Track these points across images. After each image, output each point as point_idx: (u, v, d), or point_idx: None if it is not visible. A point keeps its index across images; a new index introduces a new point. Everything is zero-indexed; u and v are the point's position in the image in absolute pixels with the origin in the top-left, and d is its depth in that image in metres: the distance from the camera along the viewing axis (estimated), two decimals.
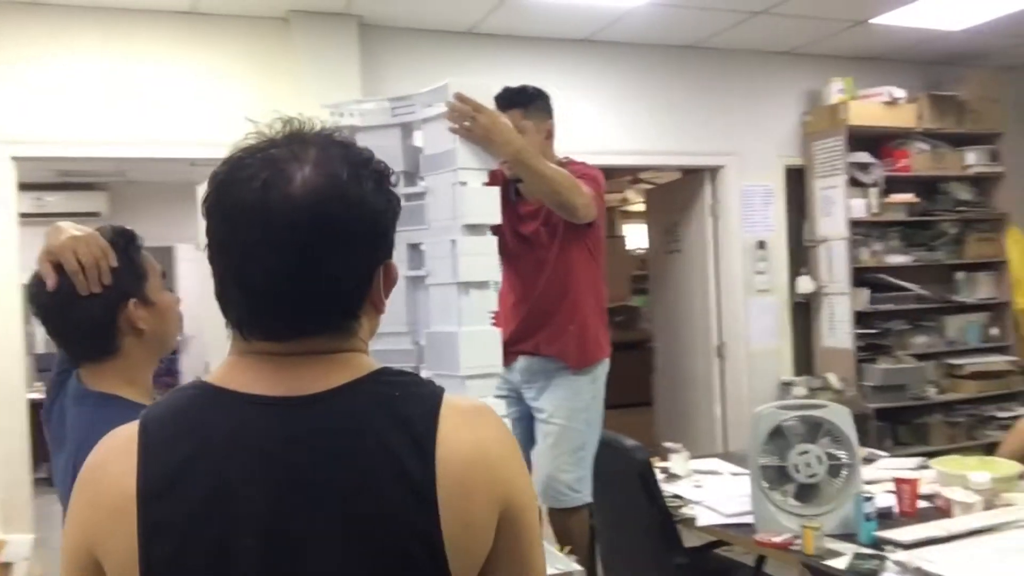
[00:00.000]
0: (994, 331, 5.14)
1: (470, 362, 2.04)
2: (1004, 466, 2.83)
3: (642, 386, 5.65)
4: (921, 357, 4.87)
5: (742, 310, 4.80)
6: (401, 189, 2.20)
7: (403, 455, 0.86)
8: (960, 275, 5.13)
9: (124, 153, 3.84)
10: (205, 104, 3.85)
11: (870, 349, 4.76)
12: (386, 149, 2.22)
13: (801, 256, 4.96)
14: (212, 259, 0.92)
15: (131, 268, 1.54)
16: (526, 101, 2.56)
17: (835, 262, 4.76)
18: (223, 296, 0.91)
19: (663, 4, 3.93)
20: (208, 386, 0.91)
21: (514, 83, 4.10)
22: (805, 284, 4.84)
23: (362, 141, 2.08)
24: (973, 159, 5.06)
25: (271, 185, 0.86)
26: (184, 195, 8.53)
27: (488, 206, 2.08)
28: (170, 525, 0.83)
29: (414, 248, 2.23)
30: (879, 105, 4.75)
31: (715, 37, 4.52)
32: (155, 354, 1.61)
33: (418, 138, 2.26)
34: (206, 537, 0.83)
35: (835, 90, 4.82)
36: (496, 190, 2.11)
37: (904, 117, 4.81)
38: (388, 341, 2.22)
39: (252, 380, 0.89)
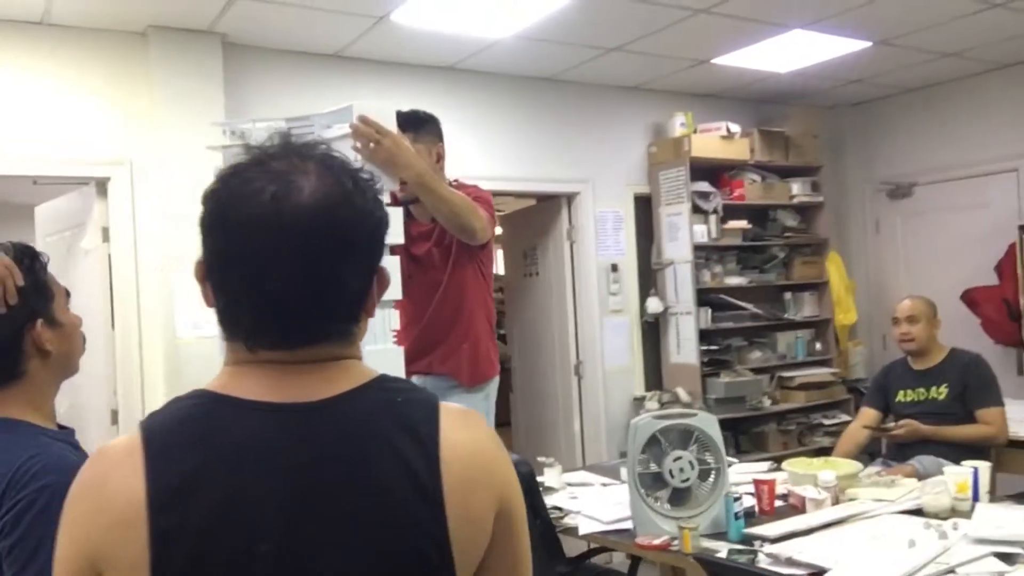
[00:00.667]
0: (818, 346, 5.65)
1: None
2: (845, 465, 3.15)
3: (500, 405, 5.75)
4: (757, 371, 5.27)
5: (597, 330, 5.03)
6: None
7: (410, 458, 0.90)
8: (788, 295, 5.61)
9: None
10: (53, 119, 3.64)
11: (713, 364, 5.11)
12: None
13: (649, 278, 5.27)
14: (210, 274, 0.93)
15: (37, 287, 1.49)
16: (417, 125, 2.62)
17: (680, 284, 5.09)
18: (228, 309, 0.92)
19: (526, 38, 4.10)
20: (212, 394, 0.91)
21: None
22: (654, 305, 5.14)
23: None
24: (797, 189, 5.57)
25: (281, 197, 0.89)
26: (16, 217, 7.95)
27: (392, 226, 2.11)
28: (183, 533, 0.83)
29: None
30: (717, 139, 5.14)
31: (571, 71, 4.75)
32: (60, 377, 1.56)
33: None
34: (222, 545, 0.84)
35: (678, 124, 5.18)
36: (399, 211, 2.16)
37: (738, 150, 5.23)
38: None
39: (258, 388, 0.90)
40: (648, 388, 5.21)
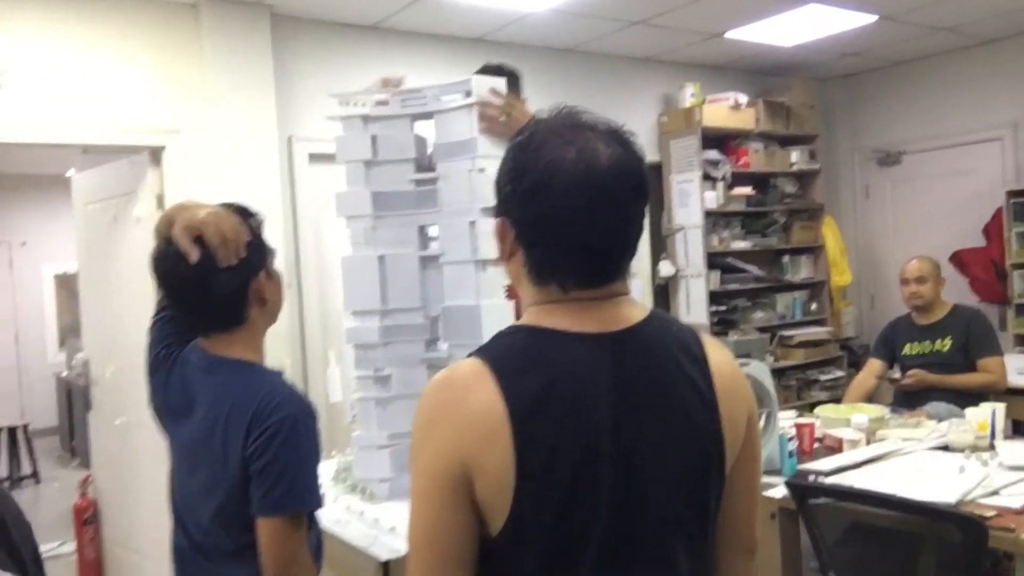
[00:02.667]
0: (814, 306, 5.97)
1: (490, 332, 2.26)
2: (871, 410, 3.45)
3: None
4: (761, 330, 5.58)
5: None
6: (412, 175, 2.40)
7: (692, 373, 1.12)
8: (786, 258, 5.91)
9: (12, 138, 3.63)
10: (105, 90, 3.73)
11: (721, 324, 5.40)
12: (397, 138, 2.41)
13: (660, 243, 5.52)
14: (524, 231, 1.12)
15: (259, 243, 1.66)
16: (511, 83, 2.74)
17: (691, 248, 5.35)
18: (543, 258, 1.11)
19: (557, 11, 4.28)
20: (535, 328, 1.10)
21: (417, 77, 4.32)
22: (666, 268, 5.40)
23: (372, 130, 2.29)
24: (796, 157, 5.85)
25: (589, 162, 1.07)
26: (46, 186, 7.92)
27: None
28: (542, 438, 1.02)
29: (421, 230, 2.42)
30: (726, 109, 5.39)
31: (592, 42, 4.94)
32: (270, 323, 1.74)
33: (419, 128, 2.44)
34: (571, 444, 1.03)
35: (688, 94, 5.41)
36: None
37: (745, 120, 5.49)
38: (400, 317, 2.41)
39: (571, 321, 1.10)
40: None
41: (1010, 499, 2.35)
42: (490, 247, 2.27)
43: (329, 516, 2.21)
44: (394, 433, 2.38)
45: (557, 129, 1.12)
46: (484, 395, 1.04)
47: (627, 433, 1.06)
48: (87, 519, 4.40)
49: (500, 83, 2.31)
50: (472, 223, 2.28)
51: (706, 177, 5.33)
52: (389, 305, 2.39)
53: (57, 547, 5.08)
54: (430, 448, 1.06)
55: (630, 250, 1.13)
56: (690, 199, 5.33)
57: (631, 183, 1.10)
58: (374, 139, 2.40)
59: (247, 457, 1.51)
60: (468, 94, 2.31)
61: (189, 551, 1.66)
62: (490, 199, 2.26)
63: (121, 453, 4.27)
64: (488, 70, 2.77)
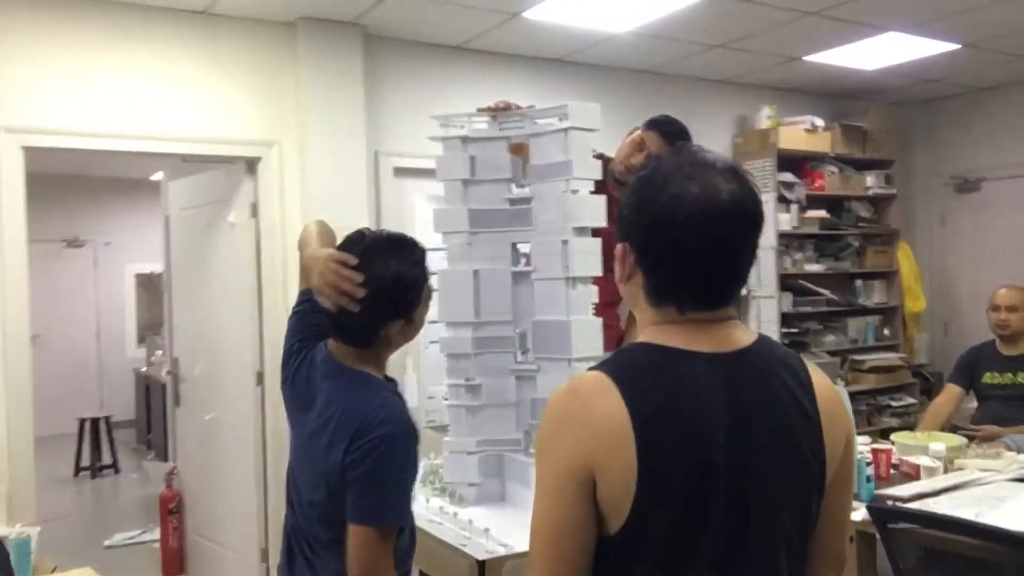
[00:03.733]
0: (886, 331, 5.92)
1: (579, 346, 2.36)
2: (949, 438, 3.44)
3: None
4: (831, 353, 5.56)
5: None
6: (507, 195, 2.51)
7: (798, 395, 1.20)
8: (859, 282, 5.88)
9: (118, 147, 3.85)
10: (207, 103, 3.93)
11: (792, 346, 5.39)
12: (494, 159, 2.52)
13: None
14: (646, 256, 1.20)
15: (414, 294, 1.78)
16: (668, 131, 2.88)
17: (764, 269, 5.37)
18: (663, 282, 1.20)
19: (640, 34, 4.37)
20: (655, 346, 1.19)
21: (495, 96, 4.45)
22: None
23: (471, 150, 2.40)
24: (872, 182, 5.83)
25: (710, 198, 1.16)
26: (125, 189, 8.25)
27: (596, 211, 2.40)
28: (662, 445, 1.11)
29: (513, 247, 2.53)
30: (802, 132, 5.40)
31: (670, 64, 5.02)
32: (402, 345, 1.86)
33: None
34: (690, 454, 1.12)
35: (764, 116, 5.44)
36: (602, 197, 2.44)
37: (821, 143, 5.49)
38: (492, 329, 2.51)
39: (689, 340, 1.18)
40: None
41: None
42: (582, 265, 2.38)
43: (422, 516, 2.32)
44: (483, 440, 2.48)
45: (681, 165, 1.21)
46: (609, 404, 1.13)
47: (740, 446, 1.14)
48: (172, 509, 4.61)
49: (588, 111, 2.40)
50: (564, 242, 2.37)
51: (781, 199, 5.35)
52: (482, 317, 2.50)
53: (139, 535, 5.31)
54: (558, 450, 1.16)
55: (742, 278, 1.22)
56: (765, 220, 5.34)
57: (748, 218, 1.19)
58: (472, 159, 2.51)
59: (346, 464, 1.63)
60: (564, 118, 2.41)
61: (294, 532, 1.81)
62: (582, 219, 2.38)
63: (207, 448, 4.46)
64: (659, 125, 2.95)
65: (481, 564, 1.97)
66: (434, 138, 2.55)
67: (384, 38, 4.30)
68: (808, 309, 5.50)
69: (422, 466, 2.80)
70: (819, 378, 1.25)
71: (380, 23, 4.11)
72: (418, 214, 4.50)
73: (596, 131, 2.44)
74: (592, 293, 2.45)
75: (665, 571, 1.13)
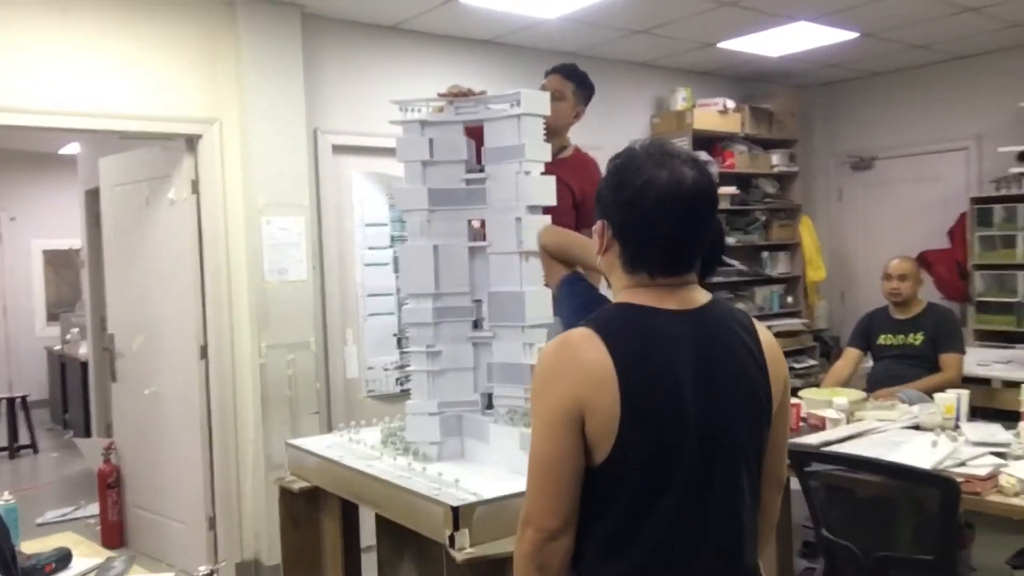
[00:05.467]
0: (790, 299, 6.38)
1: (532, 314, 2.59)
2: (850, 393, 3.83)
3: None
4: None
5: (604, 281, 5.61)
6: (464, 175, 2.70)
7: (748, 343, 1.46)
8: (765, 254, 6.30)
9: (52, 123, 3.83)
10: (145, 80, 3.96)
11: None
12: (451, 141, 2.70)
13: None
14: (622, 231, 1.44)
15: None
16: (580, 81, 3.20)
17: None
18: (638, 252, 1.44)
19: (569, 19, 4.58)
20: (631, 305, 1.44)
21: (429, 75, 4.64)
22: None
23: (429, 134, 2.59)
24: (777, 160, 6.24)
25: (678, 181, 1.40)
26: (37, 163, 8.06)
27: (547, 191, 2.62)
28: (641, 386, 1.35)
29: (470, 223, 2.72)
30: (715, 113, 5.74)
31: (594, 47, 5.26)
32: None
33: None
34: (665, 393, 1.37)
35: (679, 98, 5.75)
36: (552, 178, 2.65)
37: (732, 124, 5.85)
38: (450, 300, 2.71)
39: (659, 300, 1.43)
40: None
41: (976, 469, 2.72)
42: (534, 239, 2.60)
43: (391, 472, 2.51)
44: (443, 402, 2.68)
45: (651, 154, 1.45)
46: (596, 353, 1.37)
47: (704, 385, 1.40)
48: (110, 484, 4.65)
49: (540, 98, 2.61)
50: (518, 219, 2.58)
51: None
52: (441, 289, 2.69)
53: (72, 511, 5.31)
54: (552, 392, 1.38)
55: (701, 249, 1.47)
56: None
57: (707, 199, 1.45)
58: (431, 142, 2.69)
59: None
60: (516, 104, 2.61)
61: None
62: (535, 198, 2.59)
63: (147, 422, 4.51)
64: (571, 67, 3.26)
65: (455, 510, 2.18)
66: (394, 122, 2.71)
67: (322, 17, 4.39)
68: (720, 279, 5.87)
69: (377, 431, 2.99)
70: (762, 329, 1.52)
71: (318, 3, 4.20)
72: (356, 190, 4.64)
73: (546, 116, 2.65)
74: (540, 266, 2.67)
75: (645, 494, 1.38)
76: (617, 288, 1.51)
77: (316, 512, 3.00)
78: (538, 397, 1.42)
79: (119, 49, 3.88)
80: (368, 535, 3.13)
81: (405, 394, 4.61)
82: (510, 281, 2.62)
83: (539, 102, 2.63)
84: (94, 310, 5.82)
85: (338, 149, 4.50)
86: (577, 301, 2.16)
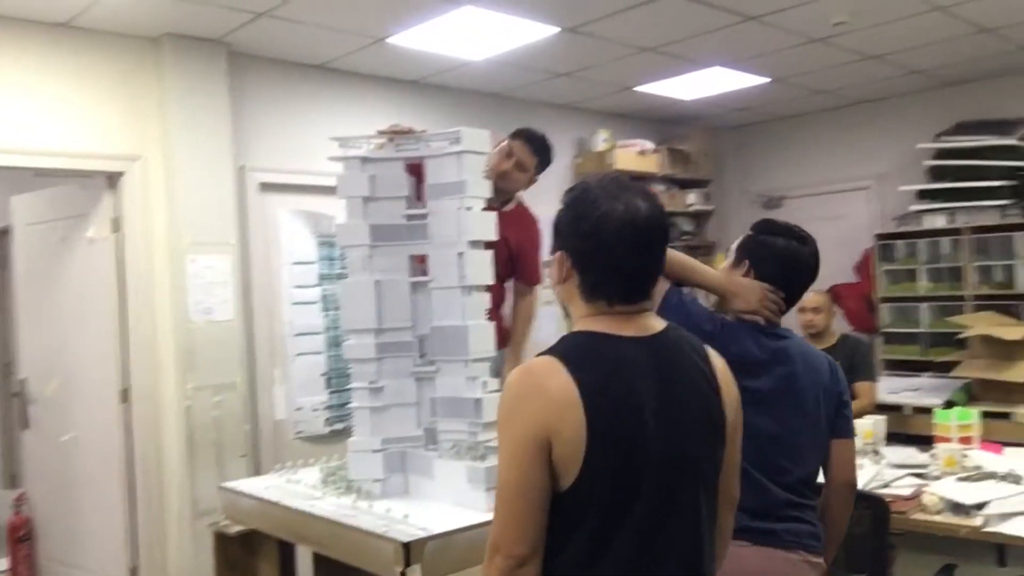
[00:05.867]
0: None
1: (475, 348, 2.62)
2: None
3: None
4: None
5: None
6: (406, 211, 2.72)
7: (702, 366, 1.53)
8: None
9: None
10: (66, 116, 3.86)
11: None
12: (392, 178, 2.73)
13: None
14: (581, 260, 1.49)
15: None
16: (542, 154, 3.37)
17: None
18: (597, 281, 1.49)
19: (495, 62, 4.69)
20: (591, 333, 1.48)
21: (357, 114, 4.68)
22: None
23: (370, 170, 2.62)
24: (693, 199, 6.46)
25: (633, 213, 1.46)
26: None
27: (488, 227, 2.67)
28: (605, 411, 1.39)
29: (412, 259, 2.74)
30: (634, 154, 5.93)
31: (518, 89, 5.38)
32: None
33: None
34: (628, 417, 1.41)
35: (600, 140, 5.92)
36: (493, 214, 2.70)
37: (650, 164, 6.05)
38: (392, 335, 2.71)
39: (618, 327, 1.48)
40: None
41: (899, 489, 2.87)
42: (476, 275, 2.64)
43: (336, 512, 2.48)
44: (386, 438, 2.67)
45: (606, 187, 1.51)
46: (561, 380, 1.40)
47: (665, 409, 1.45)
48: (21, 537, 4.41)
49: (480, 136, 2.67)
50: (460, 254, 2.62)
51: None
52: (384, 324, 2.69)
53: None
54: (519, 421, 1.41)
55: (656, 278, 1.53)
56: None
57: (660, 230, 1.52)
58: (372, 178, 2.70)
59: None
60: (456, 142, 2.66)
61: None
62: (476, 233, 2.63)
63: (62, 470, 4.32)
64: (540, 139, 3.39)
65: (406, 546, 2.17)
66: (334, 158, 2.72)
67: (249, 56, 4.37)
68: None
69: (316, 471, 2.95)
70: (713, 355, 1.58)
71: (245, 41, 4.18)
72: (283, 228, 4.60)
73: (486, 154, 2.71)
74: (485, 300, 2.71)
75: (610, 516, 1.41)
76: (576, 316, 1.55)
77: (252, 556, 2.92)
78: (505, 426, 1.44)
79: (37, 84, 3.78)
80: None
81: (335, 435, 4.62)
82: (453, 315, 2.65)
83: (479, 140, 2.68)
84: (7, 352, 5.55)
85: (265, 187, 4.46)
86: (694, 308, 2.27)
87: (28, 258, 4.52)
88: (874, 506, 2.47)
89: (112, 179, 4.04)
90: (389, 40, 4.22)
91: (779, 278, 2.21)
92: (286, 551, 2.88)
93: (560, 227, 1.54)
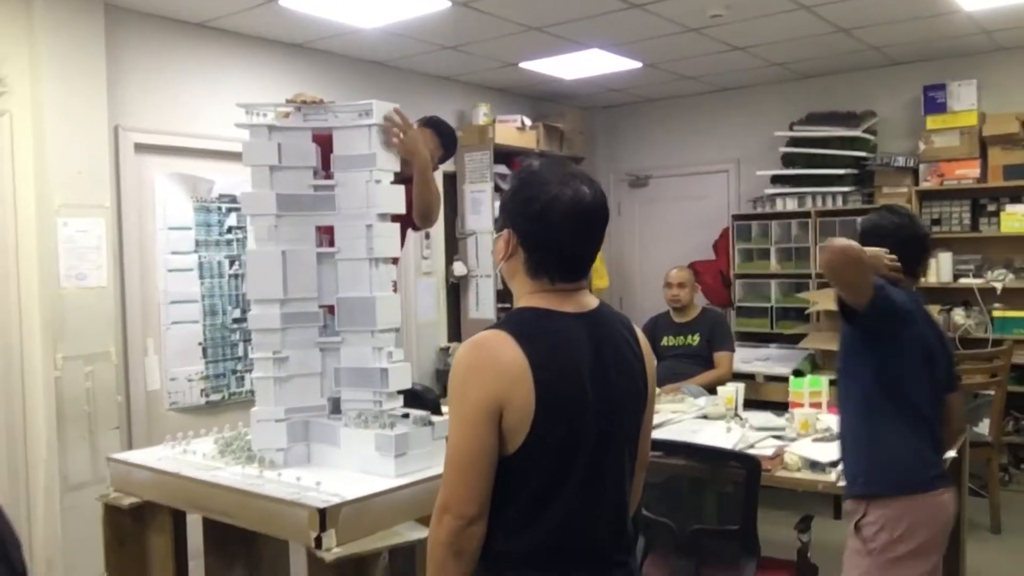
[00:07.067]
0: None
1: (383, 319, 2.67)
2: None
3: None
4: None
5: (412, 290, 5.73)
6: (312, 181, 2.72)
7: (629, 339, 1.67)
8: None
9: None
10: None
11: None
12: (300, 147, 2.73)
13: (453, 246, 6.06)
14: (527, 240, 1.59)
15: None
16: (436, 128, 3.28)
17: (481, 251, 5.95)
18: (541, 260, 1.59)
19: (385, 31, 4.67)
20: (536, 309, 1.58)
21: (238, 76, 4.59)
22: (459, 268, 5.96)
23: (276, 139, 2.63)
24: None
25: (579, 197, 1.57)
26: None
27: (397, 199, 2.72)
28: (551, 381, 1.51)
29: (318, 230, 2.75)
30: (514, 129, 6.05)
31: (403, 59, 5.37)
32: None
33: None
34: (571, 386, 1.53)
35: (480, 113, 6.00)
36: (402, 188, 2.74)
37: (528, 140, 6.18)
38: (298, 305, 2.73)
39: (559, 304, 1.59)
40: (450, 340, 6.02)
41: (763, 450, 3.15)
42: (384, 247, 2.68)
43: (242, 482, 2.49)
44: (291, 408, 2.69)
45: (555, 172, 1.62)
46: (511, 352, 1.51)
47: (601, 378, 1.58)
48: None
49: (393, 107, 2.70)
50: (369, 226, 2.66)
51: (496, 188, 5.96)
52: (289, 294, 2.69)
53: None
54: (473, 390, 1.50)
55: (594, 258, 1.66)
56: (482, 207, 5.93)
57: (602, 213, 1.63)
58: (279, 147, 2.69)
59: None
60: (367, 114, 2.68)
61: None
62: (385, 206, 2.68)
63: None
64: (431, 117, 3.34)
65: (322, 512, 2.21)
66: (241, 125, 2.68)
67: (127, 10, 4.15)
68: None
69: (211, 440, 2.92)
70: (637, 330, 1.73)
71: None
72: (159, 191, 4.43)
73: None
74: (392, 272, 2.76)
75: (552, 478, 1.53)
76: (520, 293, 1.65)
77: (143, 529, 2.87)
78: (459, 395, 1.52)
79: None
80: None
81: (211, 406, 4.55)
82: (360, 287, 2.69)
83: (399, 111, 2.72)
84: None
85: (140, 148, 4.28)
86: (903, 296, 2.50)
87: None
88: (747, 465, 2.72)
89: None
90: (282, 2, 4.12)
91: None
92: (178, 523, 2.85)
93: (508, 207, 1.63)
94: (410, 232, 3.25)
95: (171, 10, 4.26)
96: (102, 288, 3.96)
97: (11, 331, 3.82)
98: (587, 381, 1.55)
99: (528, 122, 6.14)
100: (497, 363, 1.51)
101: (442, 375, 5.80)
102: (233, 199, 4.62)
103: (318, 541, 2.21)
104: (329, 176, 2.73)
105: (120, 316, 4.16)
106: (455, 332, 6.10)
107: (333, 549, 2.21)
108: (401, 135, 2.68)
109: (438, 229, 5.94)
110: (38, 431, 3.85)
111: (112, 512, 2.83)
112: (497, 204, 5.68)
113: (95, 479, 3.74)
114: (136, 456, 2.89)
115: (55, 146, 3.83)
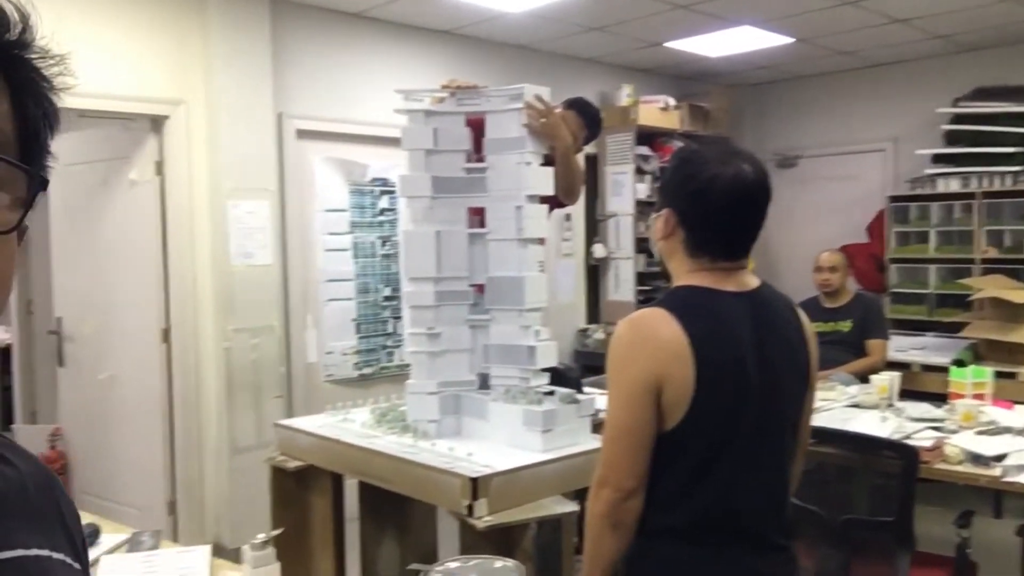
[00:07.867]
0: None
1: (531, 298, 2.74)
2: None
3: None
4: None
5: (552, 271, 5.80)
6: (465, 164, 2.81)
7: (793, 321, 1.66)
8: None
9: None
10: (111, 60, 3.90)
11: (646, 303, 6.01)
12: (454, 131, 2.81)
13: (594, 228, 6.08)
14: (686, 219, 1.60)
15: None
16: (580, 109, 3.36)
17: (622, 233, 5.94)
18: (702, 238, 1.60)
19: (531, 14, 4.73)
20: (696, 287, 1.60)
21: (390, 64, 4.73)
22: (599, 250, 5.98)
23: (432, 123, 2.70)
24: None
25: (741, 176, 1.57)
26: None
27: (546, 181, 2.77)
28: (712, 359, 1.52)
29: (469, 211, 2.84)
30: (657, 110, 5.99)
31: (547, 42, 5.42)
32: None
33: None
34: (732, 365, 1.54)
35: (624, 95, 5.97)
36: (550, 170, 2.79)
37: (672, 120, 6.11)
38: (449, 284, 2.82)
39: (720, 282, 1.60)
40: (589, 321, 6.06)
41: (920, 441, 3.03)
42: (532, 228, 2.74)
43: (398, 450, 2.62)
44: (443, 381, 2.80)
45: (715, 151, 1.62)
46: (671, 330, 1.53)
47: (763, 358, 1.58)
48: (56, 470, 4.55)
49: (541, 93, 2.75)
50: (519, 208, 2.72)
51: (638, 171, 5.93)
52: (442, 273, 2.80)
53: None
54: (633, 366, 1.54)
55: (755, 237, 1.64)
56: (623, 189, 5.91)
57: (764, 192, 1.62)
58: (435, 131, 2.79)
59: None
60: (518, 98, 2.74)
61: None
62: (534, 188, 2.73)
63: (99, 407, 4.44)
64: (577, 99, 3.41)
65: (474, 481, 2.31)
66: (399, 110, 2.80)
67: (289, 3, 4.40)
68: (657, 269, 6.14)
69: (367, 411, 3.08)
70: (801, 312, 1.71)
71: None
72: (317, 175, 4.67)
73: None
74: (540, 252, 2.82)
75: (709, 454, 1.55)
76: (678, 272, 1.67)
77: (305, 491, 3.07)
78: (619, 371, 1.56)
79: (83, 26, 3.81)
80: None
81: (364, 379, 4.77)
82: (509, 266, 2.76)
83: (541, 95, 2.76)
84: (21, 293, 5.63)
85: (302, 134, 4.52)
86: None
87: (64, 199, 4.58)
88: (905, 455, 2.62)
89: (156, 123, 4.09)
90: None
91: None
92: (337, 487, 3.03)
93: (668, 187, 1.66)
94: (552, 213, 3.30)
95: (331, 1, 4.47)
96: (268, 266, 4.23)
97: (187, 305, 4.14)
98: (748, 360, 1.55)
99: (672, 102, 6.06)
100: (656, 340, 1.53)
101: (581, 356, 5.84)
102: (385, 182, 4.81)
103: (470, 509, 2.30)
104: (481, 159, 2.81)
105: (283, 292, 4.43)
106: (593, 314, 6.12)
107: (485, 517, 2.30)
108: (542, 120, 2.72)
109: (579, 211, 5.97)
110: (209, 397, 4.17)
111: (278, 474, 3.03)
112: (639, 186, 5.72)
113: (259, 444, 4.02)
114: (300, 423, 3.08)
115: (226, 133, 4.11)
